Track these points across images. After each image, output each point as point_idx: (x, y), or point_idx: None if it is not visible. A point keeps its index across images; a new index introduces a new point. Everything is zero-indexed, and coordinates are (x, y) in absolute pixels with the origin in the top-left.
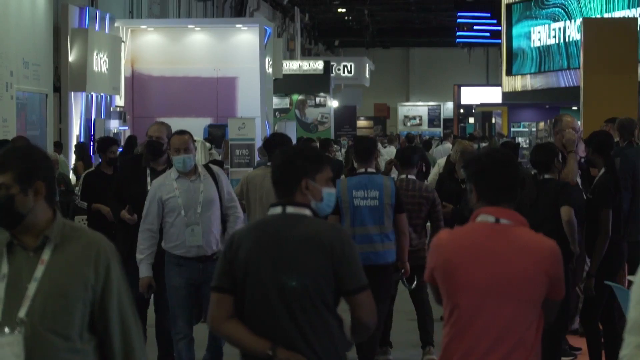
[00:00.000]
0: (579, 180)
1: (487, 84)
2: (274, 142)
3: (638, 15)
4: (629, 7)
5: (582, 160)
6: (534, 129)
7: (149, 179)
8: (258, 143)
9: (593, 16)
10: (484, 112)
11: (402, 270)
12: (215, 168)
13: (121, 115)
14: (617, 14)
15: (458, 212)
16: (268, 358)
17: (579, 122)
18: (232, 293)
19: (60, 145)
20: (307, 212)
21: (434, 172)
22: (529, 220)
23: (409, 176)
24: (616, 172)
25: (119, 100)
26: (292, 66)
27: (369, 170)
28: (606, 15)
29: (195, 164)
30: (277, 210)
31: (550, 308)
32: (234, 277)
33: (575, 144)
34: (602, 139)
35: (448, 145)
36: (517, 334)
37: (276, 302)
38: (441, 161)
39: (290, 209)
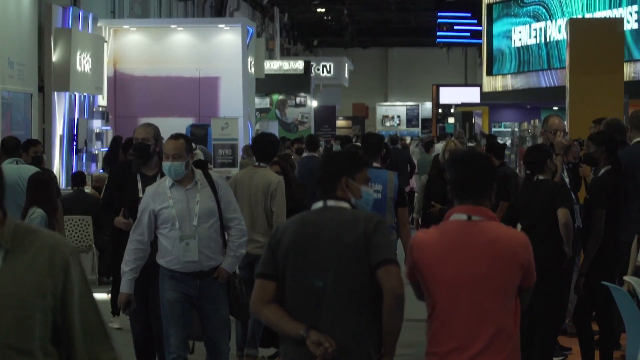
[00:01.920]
0: (566, 180)
1: (466, 84)
2: (262, 142)
3: (620, 15)
4: (610, 7)
5: (570, 164)
6: (516, 129)
7: (139, 185)
8: (241, 143)
9: (574, 16)
10: (464, 112)
11: None
12: (214, 176)
13: (104, 115)
14: (599, 14)
15: (445, 211)
16: (302, 339)
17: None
18: (274, 279)
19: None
20: (347, 205)
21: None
22: (524, 221)
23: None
24: (621, 172)
25: (102, 100)
26: (272, 66)
27: (375, 165)
28: (587, 16)
29: (193, 170)
30: (319, 205)
31: (524, 295)
32: (277, 265)
33: (564, 147)
34: (609, 138)
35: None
36: (495, 323)
37: (314, 288)
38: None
39: (330, 202)
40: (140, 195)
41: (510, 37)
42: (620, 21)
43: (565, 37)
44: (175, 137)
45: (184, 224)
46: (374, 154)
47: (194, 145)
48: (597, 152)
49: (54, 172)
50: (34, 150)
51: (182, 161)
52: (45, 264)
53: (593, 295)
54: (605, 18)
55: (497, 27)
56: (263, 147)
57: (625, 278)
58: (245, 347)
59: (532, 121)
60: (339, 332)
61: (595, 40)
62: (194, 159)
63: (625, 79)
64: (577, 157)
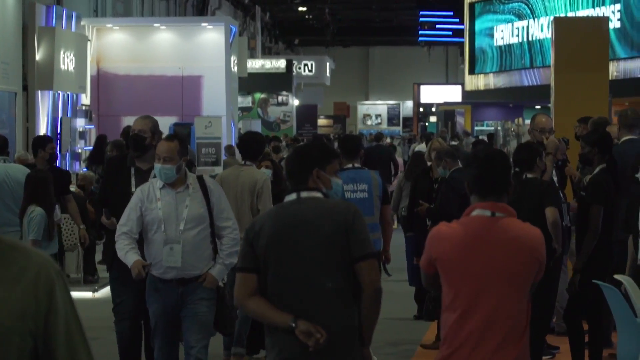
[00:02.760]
0: (554, 179)
1: (447, 82)
2: (248, 140)
3: (603, 14)
4: (593, 6)
5: (559, 162)
6: (499, 128)
7: (132, 180)
8: (224, 142)
9: (557, 14)
10: (447, 111)
11: (384, 258)
12: (209, 180)
13: (87, 114)
14: (582, 12)
15: (433, 210)
16: (290, 329)
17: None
18: (255, 272)
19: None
20: (320, 195)
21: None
22: None
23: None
24: (617, 171)
25: (85, 99)
26: (254, 65)
27: (356, 165)
28: (570, 14)
29: (186, 173)
30: (293, 196)
31: (532, 289)
32: (256, 258)
33: (556, 147)
34: (603, 137)
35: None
36: (512, 319)
37: (297, 278)
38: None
39: (304, 194)
40: (133, 189)
41: (492, 35)
42: (605, 19)
43: (548, 35)
44: (169, 138)
45: (169, 228)
46: (353, 156)
47: None
48: (592, 153)
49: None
50: (51, 146)
51: (174, 164)
52: (29, 285)
53: (585, 293)
54: (590, 17)
55: (479, 24)
56: (249, 146)
57: (617, 277)
58: (232, 346)
59: (516, 120)
60: (325, 322)
61: (581, 38)
62: (186, 162)
63: (610, 78)
64: (563, 155)
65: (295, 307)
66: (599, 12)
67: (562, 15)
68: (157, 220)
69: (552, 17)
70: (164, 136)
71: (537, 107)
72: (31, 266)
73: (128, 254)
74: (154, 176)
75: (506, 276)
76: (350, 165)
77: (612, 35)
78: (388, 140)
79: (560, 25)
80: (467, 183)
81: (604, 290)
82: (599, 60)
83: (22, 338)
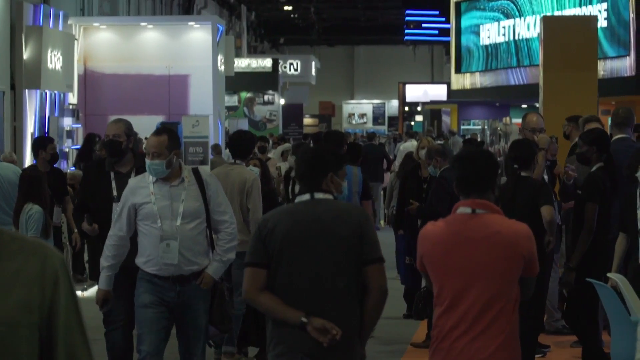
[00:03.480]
0: (545, 177)
1: (432, 81)
2: (238, 139)
3: (590, 13)
4: (580, 5)
5: (548, 162)
6: (487, 127)
7: (113, 184)
8: (211, 141)
9: (544, 13)
10: (433, 109)
11: None
12: (204, 173)
13: (74, 113)
14: (569, 11)
15: (423, 209)
16: (301, 325)
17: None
18: (266, 268)
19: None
20: (331, 197)
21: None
22: (507, 216)
23: None
24: (614, 169)
25: (72, 98)
26: (240, 64)
27: None
28: (557, 13)
29: (181, 166)
30: (306, 197)
31: (527, 284)
32: (268, 254)
33: (548, 143)
34: (599, 135)
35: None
36: (496, 308)
37: (309, 276)
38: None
39: (318, 195)
40: (115, 193)
41: (478, 33)
42: (594, 18)
43: (534, 34)
44: (157, 132)
45: (165, 223)
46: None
47: None
48: (589, 152)
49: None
50: (52, 147)
51: (163, 159)
52: (36, 275)
53: (583, 292)
54: (579, 15)
55: (465, 21)
56: (238, 145)
57: (610, 275)
58: (223, 345)
59: (504, 119)
60: (334, 320)
61: (569, 37)
62: (179, 155)
63: (599, 77)
64: (555, 154)
65: (305, 305)
66: (585, 11)
67: (549, 14)
68: (151, 215)
69: (539, 16)
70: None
71: (524, 106)
72: (36, 255)
73: (102, 273)
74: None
75: (488, 271)
76: None
77: (600, 34)
78: (382, 139)
79: (549, 24)
80: (453, 183)
81: (598, 289)
82: (588, 59)
83: (31, 331)
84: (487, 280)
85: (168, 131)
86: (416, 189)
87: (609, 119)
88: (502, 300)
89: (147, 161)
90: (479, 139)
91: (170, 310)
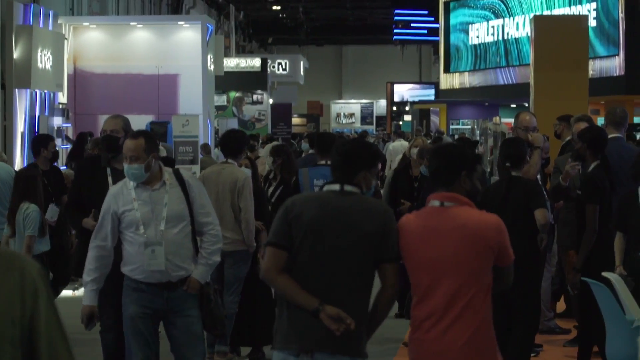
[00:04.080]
0: (538, 176)
1: (420, 81)
2: (229, 138)
3: (579, 12)
4: (569, 5)
5: (542, 161)
6: (476, 127)
7: (110, 180)
8: (201, 140)
9: (533, 13)
10: (421, 109)
11: None
12: (186, 175)
13: (64, 112)
14: (558, 10)
15: (415, 209)
16: (315, 312)
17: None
18: (287, 250)
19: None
20: (359, 191)
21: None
22: (499, 216)
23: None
24: (610, 168)
25: (62, 97)
26: (229, 63)
27: (329, 162)
28: (546, 13)
29: (161, 168)
30: (336, 187)
31: (503, 273)
32: (292, 237)
33: (542, 140)
34: (596, 135)
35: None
36: (465, 299)
37: (331, 263)
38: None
39: (347, 187)
40: None
41: (467, 31)
42: (585, 18)
43: (523, 34)
44: (134, 136)
45: (149, 229)
46: (327, 152)
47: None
48: (582, 149)
49: (15, 168)
50: (53, 145)
51: (141, 163)
52: (16, 287)
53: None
54: (570, 15)
55: (454, 18)
56: (228, 144)
57: (605, 274)
58: (215, 344)
59: (494, 118)
60: (349, 309)
61: (560, 37)
62: (157, 158)
63: (589, 76)
64: (547, 152)
65: (320, 292)
66: (574, 10)
67: (539, 13)
68: (135, 222)
69: (530, 15)
70: None
71: (513, 105)
72: (14, 267)
73: (86, 288)
74: None
75: (455, 262)
76: (323, 162)
77: (590, 33)
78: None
79: (540, 23)
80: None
81: (593, 288)
82: (579, 59)
83: (14, 346)
84: (455, 271)
85: (144, 134)
86: (407, 188)
87: (598, 119)
88: (470, 291)
89: (125, 166)
90: (472, 139)
91: (160, 318)
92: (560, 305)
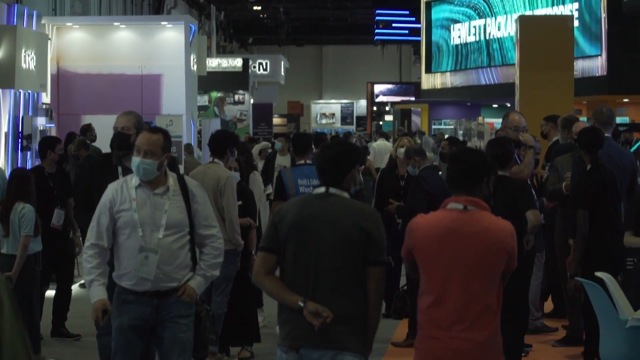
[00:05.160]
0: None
1: (400, 81)
2: (215, 138)
3: (562, 12)
4: (552, 5)
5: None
6: (459, 127)
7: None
8: (184, 141)
9: (516, 13)
10: (403, 109)
11: None
12: (191, 183)
13: (48, 113)
14: (540, 11)
15: (402, 209)
16: (300, 309)
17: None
18: (276, 253)
19: None
20: (346, 195)
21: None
22: None
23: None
24: (603, 170)
25: (46, 98)
26: (211, 64)
27: (308, 162)
28: (528, 13)
29: (167, 172)
30: (321, 190)
31: (504, 277)
32: (278, 240)
33: (533, 140)
34: (591, 137)
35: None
36: (482, 302)
37: (312, 265)
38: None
39: (332, 190)
40: None
41: (448, 28)
42: (570, 18)
43: (505, 34)
44: (153, 130)
45: (146, 233)
46: (305, 153)
47: None
48: (581, 153)
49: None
50: (60, 147)
51: (156, 160)
52: None
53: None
54: (555, 15)
55: (435, 14)
56: (212, 143)
57: (598, 274)
58: None
59: (477, 118)
60: (331, 307)
61: (545, 37)
62: (169, 161)
63: (575, 76)
64: (538, 152)
65: (306, 291)
66: (557, 10)
67: (521, 13)
68: (131, 224)
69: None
70: None
71: (495, 105)
72: None
73: (93, 285)
74: None
75: (475, 264)
76: (302, 162)
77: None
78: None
79: (525, 23)
80: (446, 180)
81: (587, 288)
82: (564, 59)
83: None
84: (474, 273)
85: (163, 131)
86: (394, 188)
87: (581, 118)
88: (488, 293)
89: (137, 159)
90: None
91: (149, 329)
92: (548, 305)
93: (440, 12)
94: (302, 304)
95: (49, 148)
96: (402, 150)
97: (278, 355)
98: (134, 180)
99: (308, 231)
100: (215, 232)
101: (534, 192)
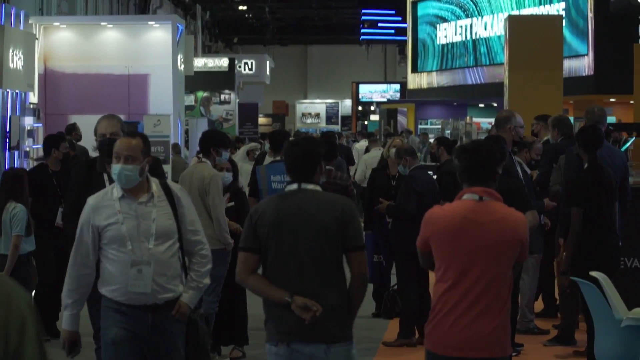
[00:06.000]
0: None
1: (385, 81)
2: (203, 137)
3: (548, 12)
4: (538, 5)
5: (533, 162)
6: (447, 126)
7: (107, 185)
8: (172, 140)
9: (502, 12)
10: (389, 109)
11: None
12: (175, 187)
13: (35, 112)
14: (527, 10)
15: (393, 208)
16: (286, 304)
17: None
18: (257, 252)
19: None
20: (319, 188)
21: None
22: None
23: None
24: (601, 170)
25: (33, 97)
26: (197, 63)
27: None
28: (514, 12)
29: (148, 178)
30: (294, 187)
31: (516, 267)
32: (258, 239)
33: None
34: (590, 135)
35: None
36: (495, 289)
37: (294, 261)
38: (367, 157)
39: (305, 185)
40: None
41: (434, 25)
42: (559, 18)
43: (492, 34)
44: (131, 135)
45: (135, 246)
46: (280, 149)
47: None
48: (580, 151)
49: None
50: (64, 145)
51: (137, 165)
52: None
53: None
54: (544, 15)
55: (421, 10)
56: (200, 141)
57: (592, 273)
58: None
59: (466, 118)
60: (318, 300)
61: (535, 37)
62: (150, 164)
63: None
64: (539, 153)
65: (291, 285)
66: (543, 10)
67: (507, 13)
68: (119, 238)
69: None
70: None
71: (481, 105)
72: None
73: (65, 312)
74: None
75: (491, 253)
76: (278, 158)
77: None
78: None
79: (514, 23)
80: (457, 172)
81: (581, 287)
82: (553, 59)
83: None
84: (490, 261)
85: (142, 135)
86: (385, 187)
87: (571, 118)
88: (501, 281)
89: (117, 166)
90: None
91: (143, 344)
92: (538, 305)
93: (426, 9)
94: (289, 299)
95: (53, 146)
96: (394, 150)
97: (267, 349)
98: (115, 191)
99: (287, 228)
100: (201, 237)
101: (535, 193)
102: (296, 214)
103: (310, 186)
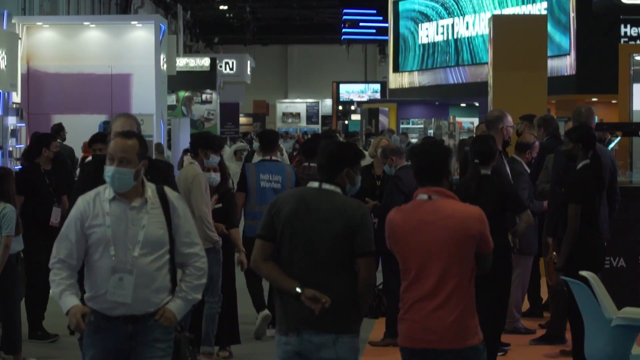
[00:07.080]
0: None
1: (366, 80)
2: (193, 139)
3: (530, 12)
4: (520, 4)
5: (532, 160)
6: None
7: None
8: (155, 140)
9: (484, 12)
10: (370, 109)
11: None
12: (171, 194)
13: (18, 112)
14: (509, 10)
15: (379, 208)
16: (296, 295)
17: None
18: (273, 241)
19: None
20: (339, 190)
21: None
22: None
23: (311, 164)
24: (600, 167)
25: (16, 97)
26: (179, 63)
27: (273, 158)
28: (496, 12)
29: (144, 182)
30: (315, 184)
31: (483, 259)
32: (275, 229)
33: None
34: (585, 132)
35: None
36: (452, 283)
37: (307, 253)
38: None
39: (326, 186)
40: None
41: (415, 20)
42: (543, 17)
43: (473, 33)
44: (127, 135)
45: (120, 252)
46: (271, 149)
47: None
48: (575, 149)
49: None
50: (55, 144)
51: (132, 168)
52: None
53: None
54: (529, 14)
55: (402, 5)
56: (190, 143)
57: (582, 273)
58: (200, 345)
59: (449, 117)
60: (327, 293)
61: (519, 36)
62: (146, 167)
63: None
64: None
65: (302, 277)
66: (525, 9)
67: (490, 12)
68: (103, 242)
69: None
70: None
71: (463, 105)
72: None
73: (63, 295)
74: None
75: (443, 249)
76: (268, 157)
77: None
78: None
79: (499, 22)
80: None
81: (571, 287)
82: (538, 58)
83: None
84: (443, 257)
85: (138, 136)
86: (370, 187)
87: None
88: (457, 275)
89: (111, 168)
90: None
91: (124, 357)
92: (524, 304)
93: (407, 4)
94: (299, 290)
95: (43, 145)
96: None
97: (277, 340)
98: (107, 192)
99: (301, 227)
100: (198, 250)
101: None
102: (310, 215)
103: (330, 187)
